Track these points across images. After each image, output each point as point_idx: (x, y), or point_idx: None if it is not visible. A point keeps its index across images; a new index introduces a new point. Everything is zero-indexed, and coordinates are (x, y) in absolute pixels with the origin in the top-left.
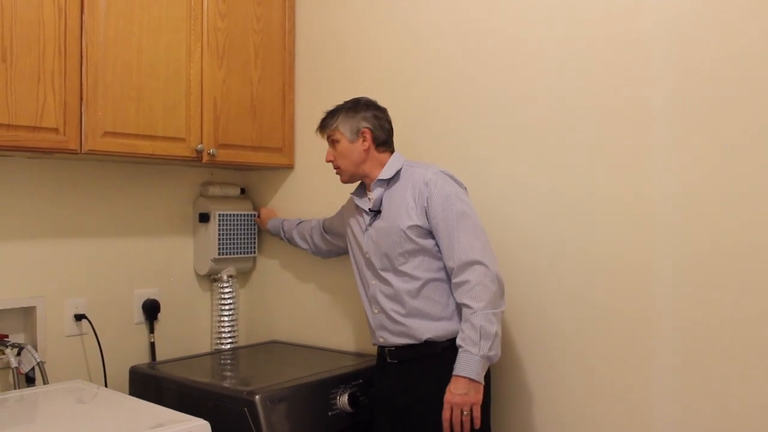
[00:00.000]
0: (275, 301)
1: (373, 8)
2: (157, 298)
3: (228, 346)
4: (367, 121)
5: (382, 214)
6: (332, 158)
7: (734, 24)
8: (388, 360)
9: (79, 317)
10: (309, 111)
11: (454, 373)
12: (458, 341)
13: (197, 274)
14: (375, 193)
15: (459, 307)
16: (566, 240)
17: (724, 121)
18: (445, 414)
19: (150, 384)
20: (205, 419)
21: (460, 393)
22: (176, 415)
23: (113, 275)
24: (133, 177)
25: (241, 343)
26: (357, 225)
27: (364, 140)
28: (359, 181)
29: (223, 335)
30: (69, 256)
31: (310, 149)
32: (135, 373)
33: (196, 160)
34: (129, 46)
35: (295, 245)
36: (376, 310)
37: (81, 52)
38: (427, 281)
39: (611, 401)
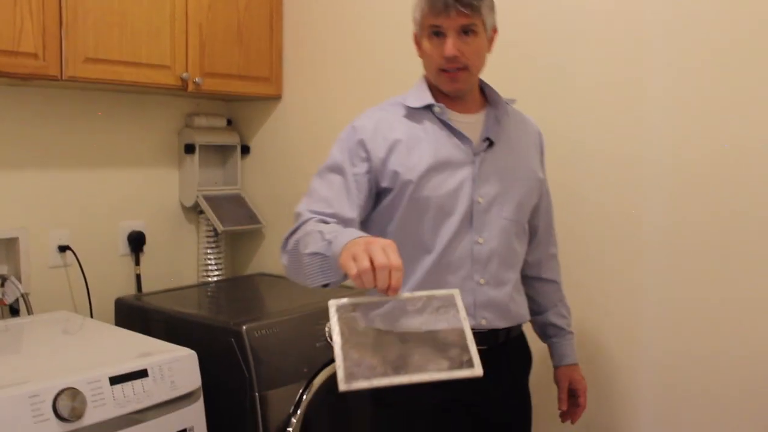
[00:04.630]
0: (263, 233)
1: None
2: (142, 230)
3: (215, 279)
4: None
5: (500, 147)
6: (459, 53)
7: None
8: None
9: (62, 249)
10: (297, 40)
11: (573, 361)
12: (566, 326)
13: (183, 206)
14: (486, 117)
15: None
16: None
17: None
18: (584, 402)
19: (136, 315)
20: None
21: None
22: (163, 344)
23: (97, 207)
24: (117, 106)
25: (228, 275)
26: (447, 156)
27: (491, 43)
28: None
29: (210, 267)
30: (52, 186)
31: (299, 79)
32: (121, 305)
33: (181, 89)
34: None
35: None
36: (482, 280)
37: None
38: None
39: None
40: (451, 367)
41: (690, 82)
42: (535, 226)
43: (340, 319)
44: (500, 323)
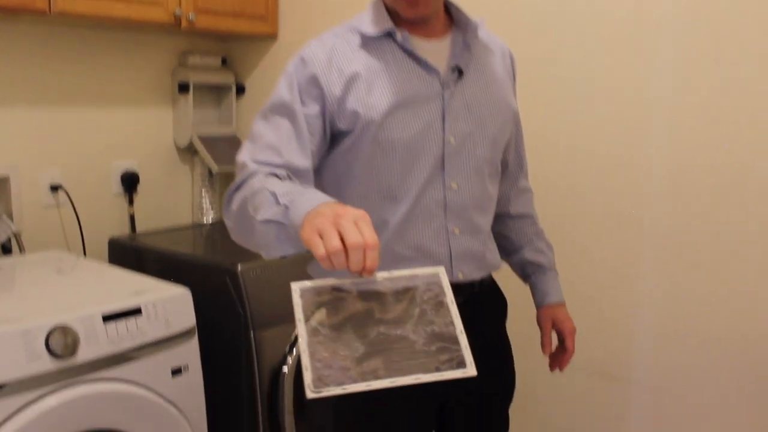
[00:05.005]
0: None
1: None
2: (135, 170)
3: (209, 220)
4: None
5: (471, 77)
6: None
7: None
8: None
9: (54, 188)
10: None
11: (557, 300)
12: (546, 262)
13: (177, 147)
14: (453, 42)
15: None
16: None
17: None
18: (572, 346)
19: (130, 255)
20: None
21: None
22: (157, 283)
23: (90, 146)
24: (110, 44)
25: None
26: (413, 90)
27: None
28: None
29: (205, 208)
30: (43, 125)
31: (295, 18)
32: (114, 245)
33: (174, 26)
34: None
35: None
36: (456, 229)
37: None
38: None
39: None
40: (439, 367)
41: (692, 76)
42: (505, 161)
43: (305, 306)
44: (477, 274)
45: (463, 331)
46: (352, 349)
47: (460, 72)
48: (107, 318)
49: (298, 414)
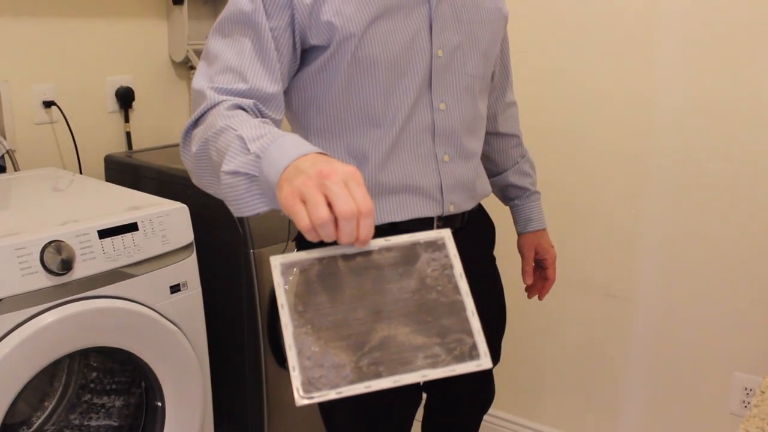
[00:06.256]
0: None
1: None
2: (131, 86)
3: None
4: None
5: None
6: None
7: None
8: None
9: (48, 104)
10: None
11: (540, 226)
12: (530, 185)
13: (173, 61)
14: None
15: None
16: None
17: None
18: (553, 274)
19: (127, 172)
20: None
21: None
22: (154, 199)
23: (83, 60)
24: None
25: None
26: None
27: None
28: None
29: None
30: (33, 38)
31: None
32: (111, 162)
33: None
34: None
35: None
36: (446, 156)
37: None
38: None
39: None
40: (448, 360)
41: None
42: (491, 73)
43: (288, 285)
44: (468, 205)
45: (475, 312)
46: (346, 340)
47: None
48: (103, 233)
49: None
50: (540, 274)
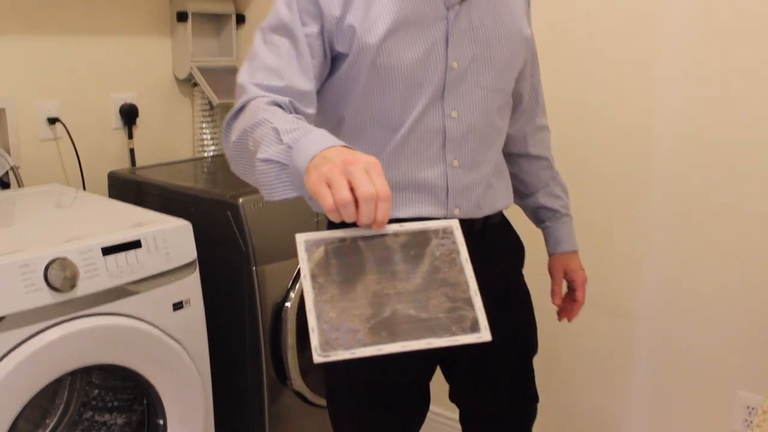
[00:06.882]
0: None
1: None
2: (135, 103)
3: (210, 153)
4: None
5: (476, 1)
6: None
7: None
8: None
9: (52, 121)
10: None
11: (570, 248)
12: (561, 207)
13: (177, 78)
14: None
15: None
16: None
17: None
18: (582, 297)
19: (130, 189)
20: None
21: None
22: (157, 215)
23: (87, 77)
24: None
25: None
26: (414, 11)
27: None
28: None
29: (206, 142)
30: (38, 55)
31: None
32: (114, 178)
33: None
34: None
35: None
36: (455, 162)
37: None
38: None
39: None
40: (451, 331)
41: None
42: (519, 94)
43: (311, 260)
44: (476, 213)
45: (478, 292)
46: (361, 309)
47: None
48: (107, 251)
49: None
50: (569, 296)
